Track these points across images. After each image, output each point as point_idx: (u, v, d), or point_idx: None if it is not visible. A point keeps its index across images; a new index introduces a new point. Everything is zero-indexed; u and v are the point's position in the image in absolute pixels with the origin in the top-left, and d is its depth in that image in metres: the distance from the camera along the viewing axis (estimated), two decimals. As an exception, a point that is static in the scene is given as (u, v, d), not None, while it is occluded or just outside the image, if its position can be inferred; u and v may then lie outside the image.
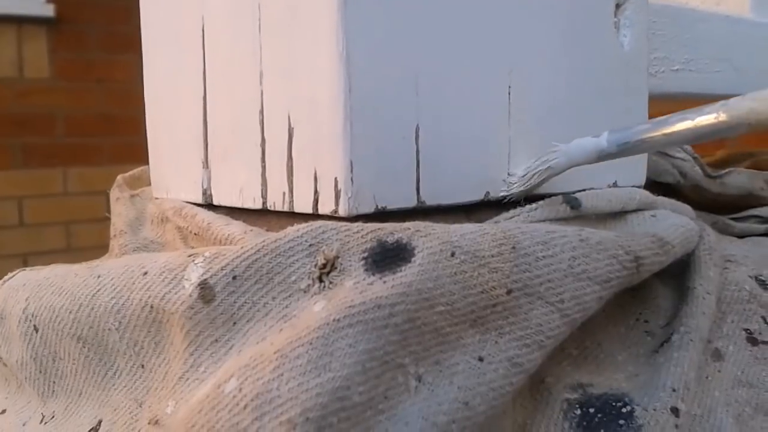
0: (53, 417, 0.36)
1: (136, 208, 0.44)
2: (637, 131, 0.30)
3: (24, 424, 0.37)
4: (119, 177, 0.48)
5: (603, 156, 0.32)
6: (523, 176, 0.34)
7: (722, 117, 0.28)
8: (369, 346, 0.25)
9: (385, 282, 0.26)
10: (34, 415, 0.37)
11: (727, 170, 0.51)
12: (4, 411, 0.40)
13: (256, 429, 0.24)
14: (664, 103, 0.44)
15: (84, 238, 2.33)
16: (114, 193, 0.47)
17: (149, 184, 0.50)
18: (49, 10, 2.21)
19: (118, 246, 0.41)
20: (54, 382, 0.36)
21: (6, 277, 0.41)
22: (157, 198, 0.43)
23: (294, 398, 0.24)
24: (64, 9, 2.25)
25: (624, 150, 0.31)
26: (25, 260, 2.23)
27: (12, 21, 2.19)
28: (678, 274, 0.37)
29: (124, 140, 2.38)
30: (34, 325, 0.35)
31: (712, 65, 0.49)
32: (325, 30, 0.30)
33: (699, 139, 0.29)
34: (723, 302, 0.36)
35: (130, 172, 0.50)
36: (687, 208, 0.41)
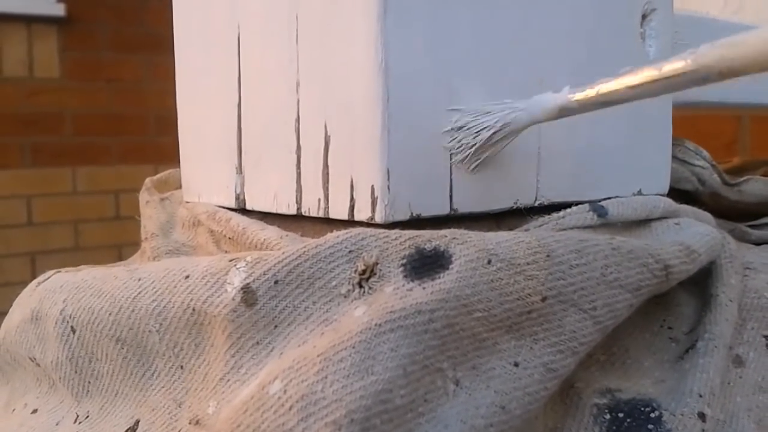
0: (88, 417, 0.37)
1: (166, 211, 0.45)
2: (599, 85, 0.29)
3: (57, 424, 0.38)
4: (147, 180, 0.49)
5: (565, 111, 0.31)
6: (479, 137, 0.33)
7: (690, 65, 0.26)
8: (410, 350, 0.25)
9: (424, 288, 0.27)
10: (68, 415, 0.38)
11: (744, 178, 0.52)
12: (35, 410, 0.40)
13: (301, 430, 0.24)
14: (679, 110, 0.45)
15: (92, 238, 2.34)
16: (143, 197, 0.48)
17: (177, 188, 0.51)
18: (59, 10, 2.22)
19: (150, 249, 0.42)
20: (89, 383, 0.37)
21: (39, 279, 0.41)
22: (188, 202, 0.44)
23: (339, 400, 0.24)
24: (75, 8, 2.26)
25: (586, 105, 0.30)
26: (33, 259, 2.24)
27: (22, 20, 2.20)
28: (700, 281, 0.38)
29: (133, 140, 2.39)
30: (72, 327, 0.36)
31: (731, 75, 0.50)
32: (364, 39, 0.31)
33: (667, 90, 0.27)
34: (743, 309, 0.37)
35: (158, 176, 0.51)
36: (708, 216, 0.42)
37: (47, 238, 2.28)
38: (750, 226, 0.52)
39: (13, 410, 0.42)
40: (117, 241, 2.35)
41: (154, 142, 2.42)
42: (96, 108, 2.33)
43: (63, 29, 2.27)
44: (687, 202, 0.43)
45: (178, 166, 0.50)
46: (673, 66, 0.27)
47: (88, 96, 2.32)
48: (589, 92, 0.30)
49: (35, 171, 2.25)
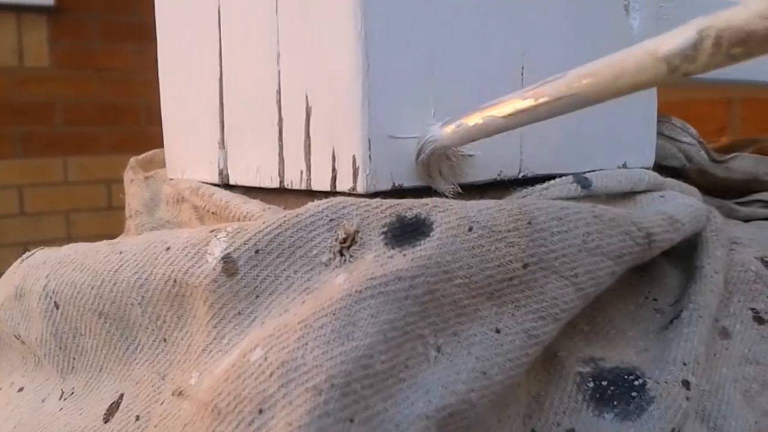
0: (73, 393, 0.37)
1: (150, 189, 0.45)
2: (475, 116, 0.29)
3: (43, 401, 0.38)
4: (132, 159, 0.49)
5: (441, 148, 0.31)
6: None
7: (562, 91, 0.25)
8: (390, 316, 0.25)
9: (405, 255, 0.27)
10: (53, 392, 0.38)
11: (732, 155, 0.52)
12: (21, 389, 0.40)
13: (282, 395, 0.24)
14: (670, 94, 0.45)
15: (84, 227, 2.34)
16: (128, 175, 0.47)
17: (162, 167, 0.50)
18: (49, -1, 2.21)
19: (134, 226, 0.42)
20: (74, 359, 0.36)
21: (24, 256, 0.41)
22: (171, 179, 0.44)
23: (319, 366, 0.24)
24: (65, -2, 2.25)
25: (462, 139, 0.30)
26: (26, 249, 2.21)
27: (12, 9, 2.19)
28: (685, 254, 0.38)
29: (124, 129, 2.38)
30: (55, 302, 0.36)
31: (719, 50, 0.49)
32: (344, 9, 0.31)
33: (542, 117, 0.26)
34: (729, 282, 0.37)
35: (143, 155, 0.50)
36: (694, 190, 0.42)
37: (39, 228, 2.27)
38: (737, 203, 0.52)
39: (0, 389, 0.42)
40: (109, 231, 2.32)
41: (145, 131, 2.40)
42: (87, 97, 2.32)
43: (53, 18, 2.26)
44: (674, 179, 0.43)
45: None
46: (545, 93, 0.26)
47: (78, 85, 2.31)
48: (463, 125, 0.30)
49: (26, 161, 2.24)
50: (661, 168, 0.49)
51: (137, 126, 2.40)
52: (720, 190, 0.53)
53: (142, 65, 2.39)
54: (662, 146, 0.49)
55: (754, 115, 1.18)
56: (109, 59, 2.35)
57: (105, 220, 2.36)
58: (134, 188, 0.45)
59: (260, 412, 0.25)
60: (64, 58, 2.29)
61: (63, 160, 2.30)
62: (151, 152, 0.51)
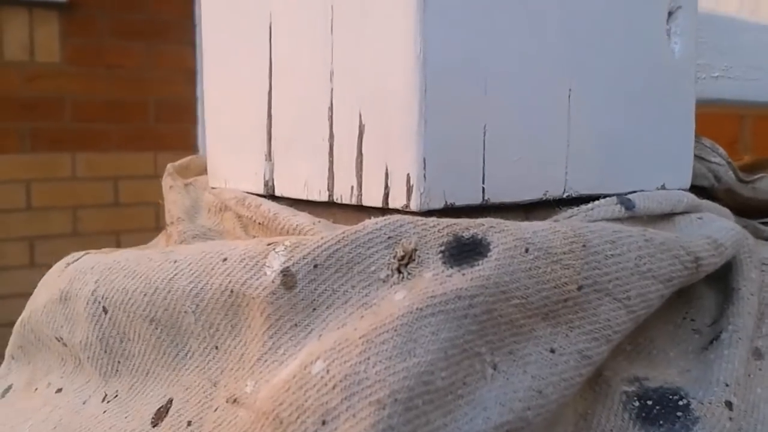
0: (116, 396, 0.37)
1: (190, 196, 0.46)
2: None
3: (84, 403, 0.39)
4: (169, 166, 0.50)
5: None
6: None
7: None
8: (450, 334, 0.26)
9: (464, 275, 0.27)
10: (95, 394, 0.38)
11: (759, 176, 0.53)
12: (60, 389, 0.41)
13: (345, 408, 0.25)
14: (702, 107, 0.45)
15: (90, 223, 2.34)
16: (167, 182, 0.48)
17: (198, 174, 0.51)
18: (61, -5, 2.22)
19: (177, 232, 0.42)
20: (119, 362, 0.37)
21: (68, 260, 0.42)
22: (213, 188, 0.44)
23: (382, 380, 0.25)
24: (77, -6, 2.26)
25: None
26: (32, 244, 2.24)
27: (24, 4, 2.19)
28: (719, 276, 0.39)
29: (132, 127, 2.39)
30: (104, 307, 0.36)
31: (749, 73, 0.51)
32: (402, 30, 0.32)
33: None
34: (762, 304, 0.38)
35: (179, 162, 0.51)
36: (727, 211, 0.43)
37: (46, 223, 2.27)
38: (763, 223, 0.53)
39: (36, 389, 0.43)
40: (115, 227, 2.35)
41: (154, 129, 2.41)
42: (96, 94, 2.33)
43: (64, 14, 2.27)
44: (703, 198, 0.43)
45: (177, 153, 0.51)
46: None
47: (88, 82, 2.32)
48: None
49: (34, 156, 2.25)
50: (690, 187, 0.49)
51: (146, 123, 2.40)
52: (746, 209, 0.54)
53: (152, 63, 2.40)
54: (693, 166, 0.50)
55: (765, 129, 1.18)
56: (119, 56, 2.36)
57: (111, 216, 2.37)
58: (174, 195, 0.46)
59: (323, 423, 0.25)
60: (74, 54, 2.30)
61: (71, 156, 2.31)
62: (187, 159, 0.52)
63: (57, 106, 2.28)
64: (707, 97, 0.47)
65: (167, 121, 2.41)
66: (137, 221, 2.37)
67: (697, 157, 0.51)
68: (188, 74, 2.37)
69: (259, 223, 0.38)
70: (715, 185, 0.51)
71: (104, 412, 0.37)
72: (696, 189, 0.51)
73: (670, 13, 0.40)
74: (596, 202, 0.35)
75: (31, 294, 0.44)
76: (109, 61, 2.36)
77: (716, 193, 0.52)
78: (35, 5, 2.21)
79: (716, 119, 1.20)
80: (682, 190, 0.41)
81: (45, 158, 2.27)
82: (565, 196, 0.36)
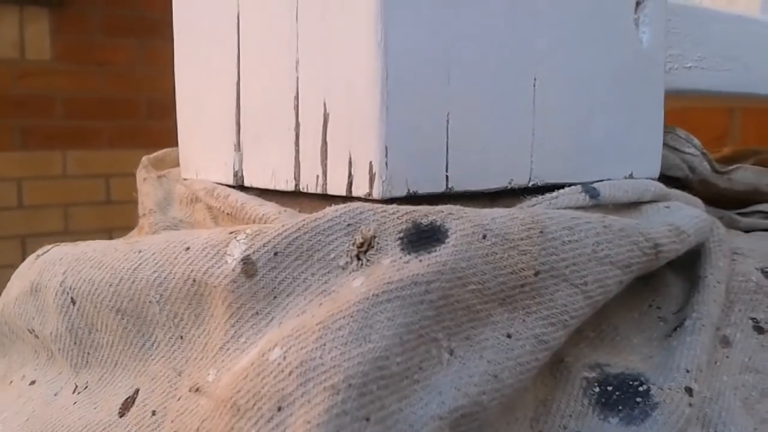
0: (86, 387, 0.37)
1: (163, 188, 0.46)
2: None
3: (55, 394, 0.39)
4: (144, 158, 0.50)
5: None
6: None
7: None
8: (406, 320, 0.26)
9: (421, 261, 0.27)
10: (66, 386, 0.39)
11: (734, 166, 0.53)
12: (33, 382, 0.41)
13: (301, 394, 0.25)
14: (675, 99, 0.46)
15: (82, 221, 2.34)
16: (141, 174, 0.48)
17: (173, 166, 0.51)
18: (52, -8, 2.21)
19: (148, 224, 0.42)
20: (89, 354, 0.37)
21: (39, 252, 0.42)
22: (185, 179, 0.44)
23: (337, 366, 0.25)
24: (67, -9, 2.25)
25: None
26: (24, 242, 2.24)
27: (14, 2, 2.19)
28: (687, 264, 0.39)
29: (123, 124, 2.38)
30: (72, 298, 0.36)
31: (723, 64, 0.51)
32: (364, 19, 0.32)
33: None
34: (731, 292, 0.38)
35: (155, 154, 0.51)
36: (698, 201, 0.43)
37: (37, 221, 2.27)
38: (739, 214, 0.53)
39: (11, 382, 0.43)
40: (107, 225, 2.35)
41: (146, 126, 2.41)
42: (87, 91, 2.33)
43: (55, 12, 2.26)
44: (677, 189, 0.44)
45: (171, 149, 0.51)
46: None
47: (79, 79, 2.31)
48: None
49: (26, 154, 2.24)
50: (664, 178, 0.50)
51: (137, 121, 2.40)
52: (722, 200, 0.54)
53: (143, 60, 2.40)
54: (666, 156, 0.50)
55: (754, 123, 1.19)
56: (110, 53, 2.36)
57: (103, 214, 2.36)
58: (147, 187, 0.46)
59: (279, 409, 0.25)
60: (65, 51, 2.29)
61: (62, 154, 2.31)
62: (162, 151, 0.52)
63: (48, 104, 2.27)
64: (680, 88, 0.48)
65: (158, 118, 2.41)
66: (129, 219, 2.35)
67: (672, 148, 0.51)
68: (179, 71, 2.36)
69: (228, 214, 0.38)
70: (689, 176, 0.51)
71: (74, 403, 0.37)
72: (670, 180, 0.51)
73: (637, 3, 0.40)
74: (561, 191, 0.35)
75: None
76: (99, 58, 2.35)
77: (691, 184, 0.52)
78: (26, 3, 2.20)
79: (705, 114, 1.20)
80: (651, 179, 0.41)
81: (36, 156, 2.26)
82: (530, 184, 0.37)
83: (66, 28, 2.29)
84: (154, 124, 2.40)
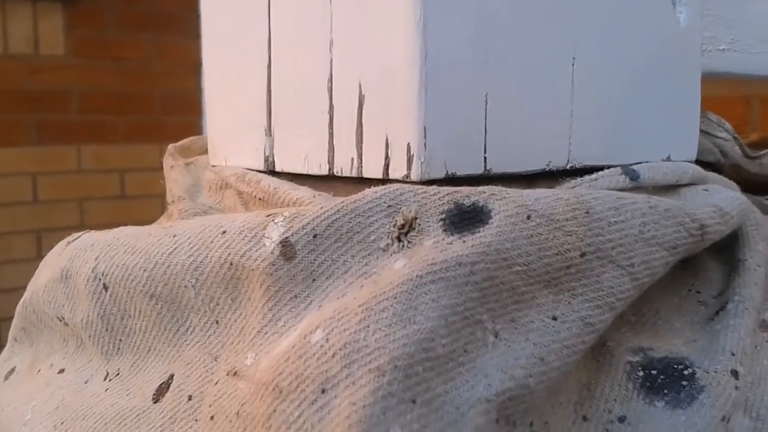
0: (118, 374, 0.37)
1: (191, 175, 0.45)
2: None
3: (86, 382, 0.39)
4: (170, 146, 0.49)
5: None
6: None
7: None
8: (451, 301, 0.26)
9: (464, 242, 0.27)
10: (97, 373, 0.38)
11: (766, 151, 0.52)
12: (62, 370, 0.41)
13: (345, 376, 0.25)
14: (709, 82, 0.45)
15: (97, 216, 2.35)
16: (168, 161, 0.48)
17: (199, 154, 0.51)
18: (65, -13, 2.22)
19: (177, 211, 0.42)
20: (120, 340, 0.37)
21: (69, 238, 0.42)
22: (214, 165, 0.44)
23: (382, 348, 0.25)
24: (81, -14, 2.26)
25: None
26: (39, 236, 2.24)
27: (28, -3, 2.19)
28: (724, 247, 0.38)
29: (138, 119, 2.39)
30: (104, 284, 0.36)
31: (755, 46, 0.50)
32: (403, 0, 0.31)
33: None
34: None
35: (180, 142, 0.51)
36: (734, 184, 0.42)
37: (52, 215, 2.28)
38: (769, 199, 0.52)
39: (39, 371, 0.42)
40: (122, 219, 2.33)
41: (160, 121, 2.41)
42: (101, 86, 2.33)
43: (68, 7, 2.26)
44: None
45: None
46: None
47: (93, 74, 2.32)
48: None
49: (40, 149, 2.25)
50: (696, 163, 0.49)
51: (152, 115, 2.40)
52: (752, 186, 0.53)
53: (157, 55, 2.40)
54: (699, 141, 0.49)
55: (773, 112, 1.18)
56: (124, 48, 2.36)
57: (118, 208, 2.37)
58: (175, 174, 0.46)
59: (323, 391, 0.25)
60: (79, 46, 2.29)
61: (77, 149, 2.31)
62: (188, 139, 0.51)
63: (62, 99, 2.28)
64: (713, 70, 0.47)
65: (172, 113, 2.41)
66: (143, 213, 2.37)
67: (703, 132, 0.50)
68: (193, 66, 2.36)
69: (260, 199, 0.37)
70: (721, 160, 0.51)
71: (106, 390, 0.37)
72: (702, 164, 0.51)
73: (674, -18, 0.40)
74: (600, 173, 0.35)
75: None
76: (114, 53, 2.35)
77: (722, 169, 0.51)
78: (39, -2, 2.21)
79: (724, 103, 1.19)
80: (688, 162, 0.40)
81: (51, 151, 2.27)
82: (568, 167, 0.36)
83: (80, 23, 2.29)
84: (168, 118, 2.40)
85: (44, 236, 2.24)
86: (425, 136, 0.31)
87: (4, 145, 2.18)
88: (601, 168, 0.35)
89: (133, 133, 2.38)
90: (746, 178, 0.53)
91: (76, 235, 0.41)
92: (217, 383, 0.31)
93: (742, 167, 0.52)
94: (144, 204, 2.37)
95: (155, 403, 0.34)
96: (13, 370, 0.45)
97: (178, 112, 2.40)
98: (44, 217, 2.27)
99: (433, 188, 0.29)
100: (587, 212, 0.28)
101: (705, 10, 0.44)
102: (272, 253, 0.29)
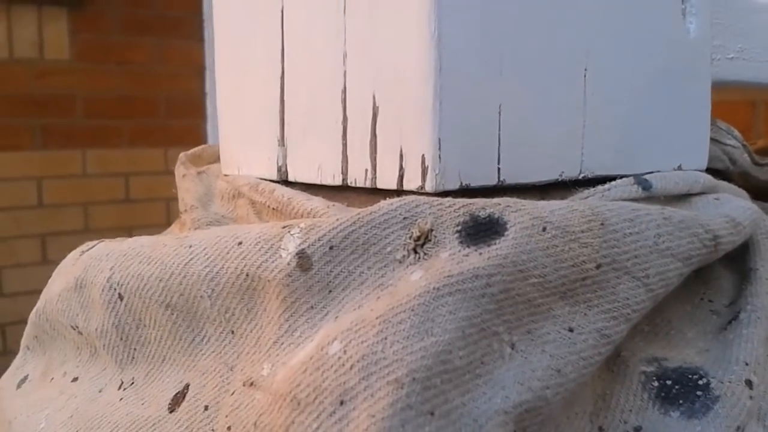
0: (133, 383, 0.37)
1: (203, 184, 0.46)
2: None
3: (100, 391, 0.39)
4: (182, 155, 0.50)
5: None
6: None
7: None
8: (468, 313, 0.26)
9: (480, 254, 0.27)
10: (111, 382, 0.38)
11: (774, 158, 0.52)
12: (75, 379, 0.41)
13: (363, 388, 0.25)
14: (717, 90, 0.45)
15: (102, 220, 2.35)
16: (179, 170, 0.48)
17: (210, 162, 0.51)
18: (70, -8, 2.22)
19: (190, 220, 0.42)
20: (135, 349, 0.37)
21: (84, 248, 0.42)
22: (226, 174, 0.44)
23: (400, 360, 0.25)
24: (86, -9, 2.26)
25: None
26: (44, 240, 2.25)
27: (33, 2, 2.20)
28: (736, 257, 0.38)
29: (143, 123, 2.39)
30: (119, 293, 0.36)
31: (764, 54, 0.50)
32: (417, 11, 0.31)
33: None
34: (779, 285, 0.38)
35: (192, 150, 0.51)
36: (744, 193, 0.42)
37: (57, 219, 2.28)
38: (778, 207, 0.52)
39: (51, 379, 0.43)
40: (127, 223, 2.35)
41: (165, 125, 2.42)
42: (106, 90, 2.33)
43: (73, 11, 2.27)
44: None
45: (187, 149, 0.50)
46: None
47: (98, 78, 2.32)
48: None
49: (45, 153, 2.25)
50: (706, 170, 0.49)
51: (157, 119, 2.41)
52: (760, 193, 0.53)
53: (162, 59, 2.40)
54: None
55: (778, 118, 1.18)
56: (129, 53, 2.37)
57: (123, 212, 2.37)
58: (187, 183, 0.46)
59: (341, 403, 0.25)
60: (84, 50, 2.30)
61: (82, 153, 2.32)
62: (199, 148, 0.51)
63: (67, 103, 2.28)
64: (723, 79, 0.47)
65: (177, 116, 2.41)
66: (148, 217, 2.37)
67: (713, 140, 0.50)
68: (197, 70, 2.37)
69: (273, 209, 0.38)
70: (730, 168, 0.51)
71: (121, 399, 0.37)
72: (711, 172, 0.51)
73: (684, -7, 0.40)
74: (613, 183, 0.35)
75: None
76: (119, 58, 2.36)
77: (731, 177, 0.51)
78: (44, 2, 2.21)
79: (729, 107, 1.19)
80: (699, 171, 0.41)
81: (56, 155, 2.27)
82: (581, 177, 0.36)
83: (85, 27, 2.30)
84: (173, 122, 2.41)
85: (49, 240, 2.25)
86: (440, 148, 0.32)
87: (9, 149, 2.19)
88: (613, 178, 0.36)
89: (138, 136, 2.38)
90: (755, 185, 0.53)
91: (90, 244, 0.41)
92: (233, 393, 0.31)
93: (750, 174, 0.52)
94: (148, 207, 2.38)
95: (171, 412, 0.34)
96: (25, 378, 0.45)
97: (183, 116, 2.40)
98: (49, 221, 2.27)
99: (449, 200, 0.29)
100: (602, 224, 0.29)
101: (714, 19, 0.44)
102: (288, 264, 0.30)
